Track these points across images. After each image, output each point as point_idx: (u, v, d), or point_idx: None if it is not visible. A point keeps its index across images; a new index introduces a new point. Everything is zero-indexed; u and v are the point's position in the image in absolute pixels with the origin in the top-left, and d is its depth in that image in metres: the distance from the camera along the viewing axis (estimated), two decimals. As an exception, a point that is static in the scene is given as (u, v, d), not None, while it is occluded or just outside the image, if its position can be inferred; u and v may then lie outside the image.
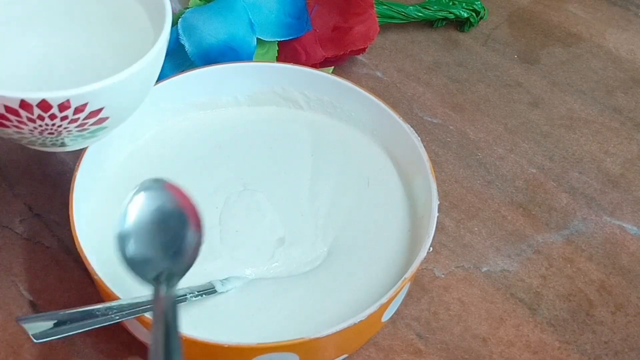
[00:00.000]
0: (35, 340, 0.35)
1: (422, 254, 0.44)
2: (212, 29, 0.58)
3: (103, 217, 0.50)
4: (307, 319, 0.45)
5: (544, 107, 0.67)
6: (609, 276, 0.55)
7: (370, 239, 0.50)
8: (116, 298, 0.41)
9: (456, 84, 0.69)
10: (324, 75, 0.56)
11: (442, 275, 0.54)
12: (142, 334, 0.43)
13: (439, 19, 0.73)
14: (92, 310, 0.38)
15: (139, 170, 0.53)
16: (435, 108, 0.66)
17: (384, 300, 0.42)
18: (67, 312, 0.37)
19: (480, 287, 0.53)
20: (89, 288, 0.51)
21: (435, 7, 0.72)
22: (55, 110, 0.36)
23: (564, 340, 0.51)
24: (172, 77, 0.54)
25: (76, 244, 0.43)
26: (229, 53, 0.59)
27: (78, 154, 0.48)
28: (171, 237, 0.37)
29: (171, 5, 0.63)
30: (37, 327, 0.35)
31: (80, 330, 0.37)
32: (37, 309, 0.50)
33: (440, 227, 0.55)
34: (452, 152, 0.63)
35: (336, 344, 0.45)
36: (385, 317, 0.46)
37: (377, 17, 0.65)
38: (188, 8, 0.60)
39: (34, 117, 0.36)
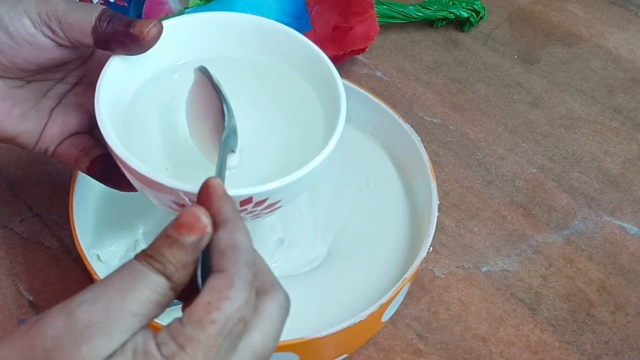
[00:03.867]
0: None
1: (422, 254, 0.44)
2: (212, 29, 0.58)
3: (103, 217, 0.50)
4: (307, 319, 0.45)
5: (544, 107, 0.67)
6: (609, 276, 0.55)
7: (370, 239, 0.50)
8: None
9: (456, 84, 0.69)
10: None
11: (442, 275, 0.54)
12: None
13: (439, 19, 0.73)
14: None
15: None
16: (435, 108, 0.66)
17: (384, 300, 0.42)
18: None
19: (480, 287, 0.53)
20: (89, 288, 0.51)
21: (435, 7, 0.72)
22: (236, 205, 0.36)
23: (564, 340, 0.51)
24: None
25: (76, 244, 0.43)
26: (229, 53, 0.59)
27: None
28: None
29: (171, 5, 0.63)
30: None
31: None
32: (37, 309, 0.50)
33: (440, 227, 0.55)
34: (452, 152, 0.63)
35: (336, 344, 0.45)
36: (385, 317, 0.46)
37: (377, 17, 0.65)
38: (188, 8, 0.60)
39: None
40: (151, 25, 0.38)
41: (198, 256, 0.28)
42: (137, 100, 0.42)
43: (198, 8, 0.60)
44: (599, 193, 0.60)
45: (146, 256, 0.27)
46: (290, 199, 0.39)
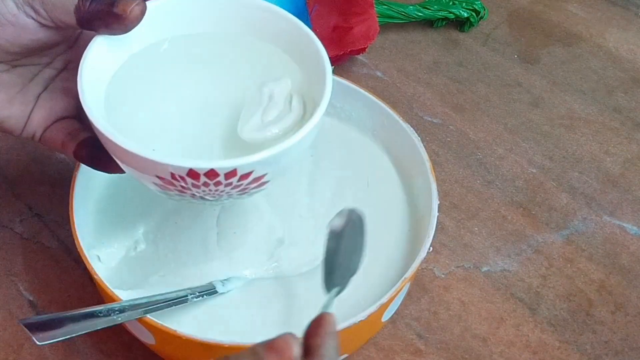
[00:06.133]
0: (38, 343, 0.35)
1: (422, 254, 0.44)
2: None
3: (103, 217, 0.50)
4: (307, 319, 0.45)
5: (544, 107, 0.67)
6: (609, 276, 0.55)
7: (370, 239, 0.50)
8: (116, 298, 0.41)
9: (456, 84, 0.69)
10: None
11: (442, 275, 0.54)
12: (143, 335, 0.43)
13: (439, 18, 0.73)
14: (94, 311, 0.39)
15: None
16: (435, 108, 0.66)
17: (384, 300, 0.42)
18: (70, 313, 0.37)
19: (480, 287, 0.53)
20: (89, 288, 0.51)
21: (435, 7, 0.72)
22: (221, 178, 0.36)
23: (564, 340, 0.51)
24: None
25: (76, 244, 0.43)
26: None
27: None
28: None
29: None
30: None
31: (83, 332, 0.37)
32: (37, 309, 0.50)
33: (440, 227, 0.55)
34: (452, 152, 0.63)
35: (336, 344, 0.44)
36: (385, 317, 0.46)
37: (377, 17, 0.65)
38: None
39: (199, 183, 0.36)
40: (134, 4, 0.38)
41: None
42: (121, 80, 0.42)
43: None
44: (599, 193, 0.60)
45: None
46: (277, 173, 0.39)
